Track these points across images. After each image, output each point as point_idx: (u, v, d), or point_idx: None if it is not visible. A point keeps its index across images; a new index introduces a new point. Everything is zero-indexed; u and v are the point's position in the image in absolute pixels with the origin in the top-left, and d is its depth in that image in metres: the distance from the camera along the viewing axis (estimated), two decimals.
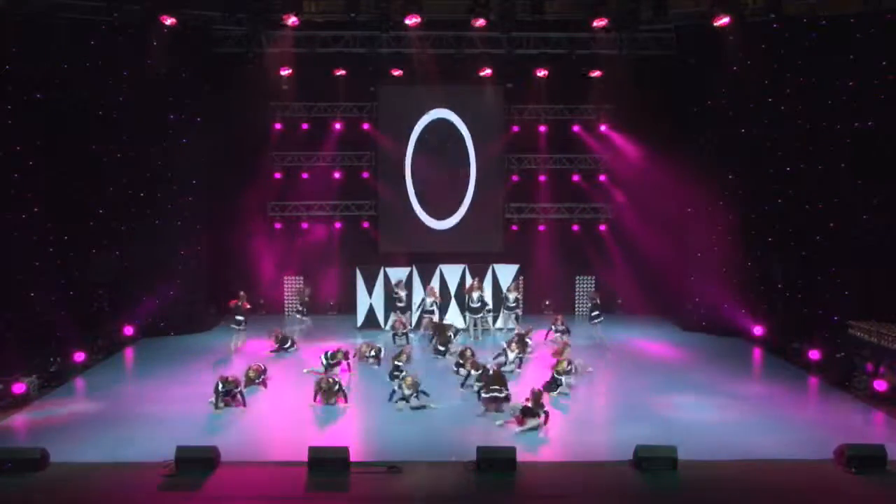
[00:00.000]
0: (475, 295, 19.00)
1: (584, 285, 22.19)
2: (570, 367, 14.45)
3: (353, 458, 10.64)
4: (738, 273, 18.87)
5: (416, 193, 21.28)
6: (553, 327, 17.99)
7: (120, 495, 9.93)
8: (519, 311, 19.51)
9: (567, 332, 17.68)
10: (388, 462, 10.74)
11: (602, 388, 15.08)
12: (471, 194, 21.28)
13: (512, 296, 19.30)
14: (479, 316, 19.11)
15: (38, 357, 15.14)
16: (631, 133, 20.92)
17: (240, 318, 17.76)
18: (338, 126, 21.13)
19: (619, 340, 18.51)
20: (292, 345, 17.51)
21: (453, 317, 19.67)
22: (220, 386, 13.30)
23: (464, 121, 21.13)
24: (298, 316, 19.43)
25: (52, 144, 17.11)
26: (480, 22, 17.54)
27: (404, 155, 21.21)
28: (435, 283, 19.92)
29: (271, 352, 17.23)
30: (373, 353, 16.46)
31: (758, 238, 18.70)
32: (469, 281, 19.49)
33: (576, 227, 21.63)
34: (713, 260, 19.14)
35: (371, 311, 19.76)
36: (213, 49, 19.44)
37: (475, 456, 10.60)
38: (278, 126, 21.05)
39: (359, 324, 19.87)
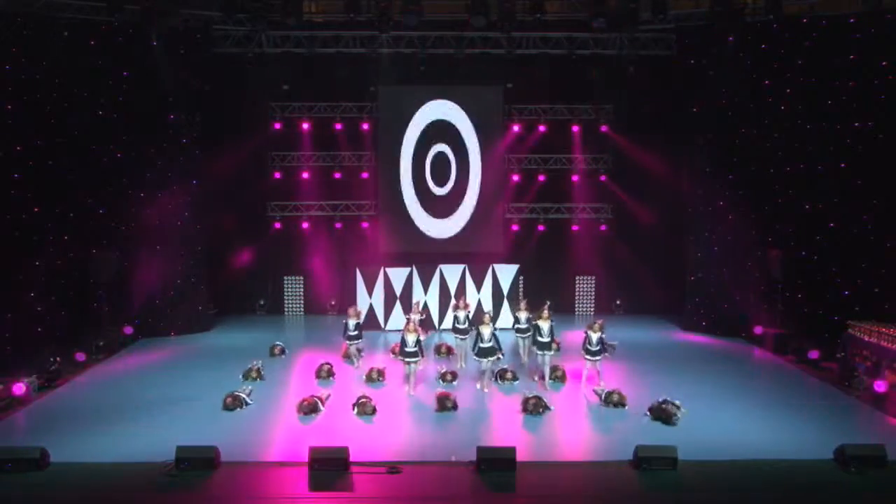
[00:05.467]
0: (461, 315, 16.34)
1: (584, 285, 22.21)
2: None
3: (353, 458, 10.64)
4: (738, 273, 18.88)
5: (416, 193, 21.25)
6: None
7: (120, 495, 9.92)
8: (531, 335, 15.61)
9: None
10: (388, 462, 10.74)
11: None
12: (471, 194, 21.26)
13: (523, 316, 16.40)
14: (466, 338, 16.15)
15: (38, 357, 15.14)
16: (631, 133, 20.92)
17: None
18: (338, 126, 21.13)
19: (618, 341, 18.43)
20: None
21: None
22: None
23: (463, 121, 21.10)
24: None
25: (52, 144, 17.11)
26: (481, 22, 17.53)
27: (404, 155, 21.19)
28: (435, 284, 19.86)
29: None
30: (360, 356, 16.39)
31: (758, 238, 18.72)
32: (461, 294, 18.25)
33: (576, 227, 21.64)
34: (713, 260, 19.15)
35: (371, 311, 19.73)
36: (213, 49, 19.45)
37: (475, 456, 10.60)
38: (278, 126, 21.06)
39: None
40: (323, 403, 13.34)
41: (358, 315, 16.36)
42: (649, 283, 21.23)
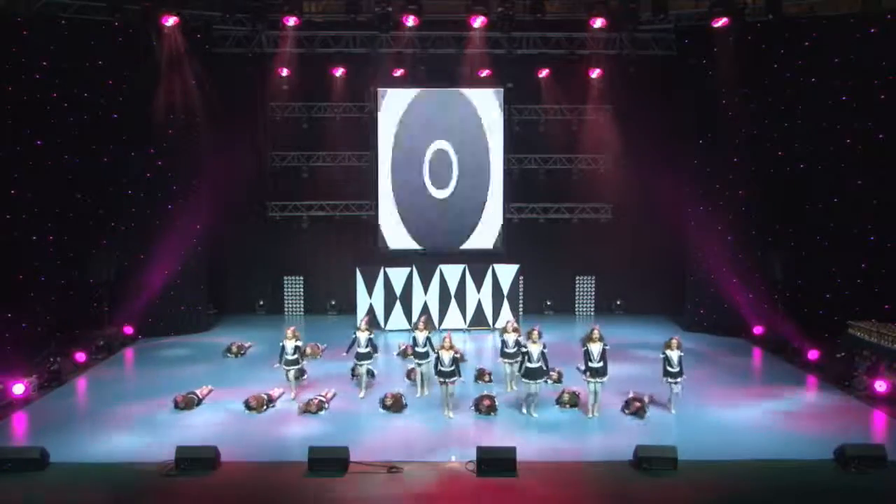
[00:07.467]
0: (420, 337, 14.06)
1: (584, 285, 22.20)
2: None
3: (353, 458, 10.66)
4: (738, 273, 18.87)
5: (416, 193, 21.22)
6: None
7: (120, 495, 9.92)
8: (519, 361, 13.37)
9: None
10: (388, 462, 10.75)
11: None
12: (471, 194, 21.26)
13: (511, 338, 14.27)
14: (423, 362, 14.12)
15: (38, 357, 15.14)
16: (631, 133, 20.90)
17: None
18: (338, 125, 21.12)
19: (619, 341, 18.44)
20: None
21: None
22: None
23: (464, 120, 21.09)
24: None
25: (52, 144, 17.11)
26: (481, 22, 17.53)
27: (403, 155, 21.17)
28: (435, 284, 19.84)
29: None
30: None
31: (758, 238, 18.72)
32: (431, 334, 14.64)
33: (576, 227, 21.63)
34: (713, 260, 19.13)
35: (371, 310, 19.71)
36: (214, 49, 19.46)
37: (475, 456, 10.60)
38: (278, 125, 21.04)
39: (359, 324, 19.80)
40: (274, 401, 13.68)
41: (296, 336, 14.25)
42: (649, 283, 21.23)
